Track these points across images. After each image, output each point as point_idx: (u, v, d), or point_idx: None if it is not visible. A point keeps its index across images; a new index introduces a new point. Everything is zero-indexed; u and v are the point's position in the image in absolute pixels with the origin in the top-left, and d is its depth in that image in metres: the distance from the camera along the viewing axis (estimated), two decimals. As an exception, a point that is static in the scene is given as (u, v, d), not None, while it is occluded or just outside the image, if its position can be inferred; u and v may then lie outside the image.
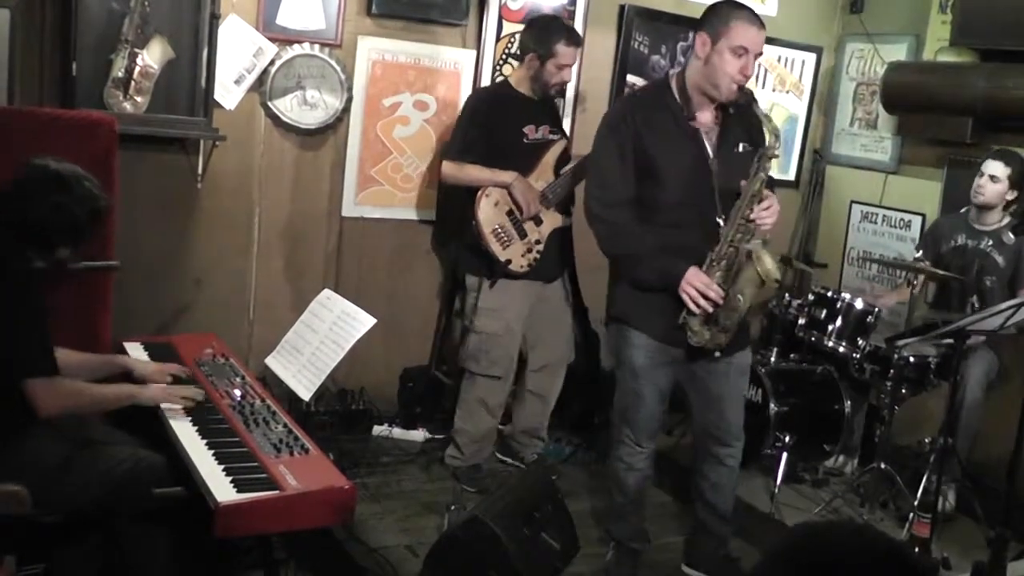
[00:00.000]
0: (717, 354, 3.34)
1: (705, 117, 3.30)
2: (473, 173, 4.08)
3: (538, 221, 4.18)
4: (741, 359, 3.48)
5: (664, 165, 3.24)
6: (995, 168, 4.35)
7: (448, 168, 4.13)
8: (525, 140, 4.17)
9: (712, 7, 3.29)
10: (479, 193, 4.07)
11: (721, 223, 3.23)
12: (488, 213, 4.07)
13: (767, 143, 3.21)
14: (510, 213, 4.11)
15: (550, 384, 4.49)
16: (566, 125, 5.03)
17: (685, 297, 3.20)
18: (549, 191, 4.19)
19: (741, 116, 3.32)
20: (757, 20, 3.19)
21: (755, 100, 3.25)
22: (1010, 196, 4.37)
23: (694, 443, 3.64)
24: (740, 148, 3.30)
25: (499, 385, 4.26)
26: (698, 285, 3.19)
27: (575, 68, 4.37)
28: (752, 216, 3.19)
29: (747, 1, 3.38)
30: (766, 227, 3.24)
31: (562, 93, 4.62)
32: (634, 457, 3.52)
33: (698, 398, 3.51)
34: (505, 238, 4.09)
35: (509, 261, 4.10)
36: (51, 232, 2.82)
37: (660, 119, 3.26)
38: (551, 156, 4.23)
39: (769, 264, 3.17)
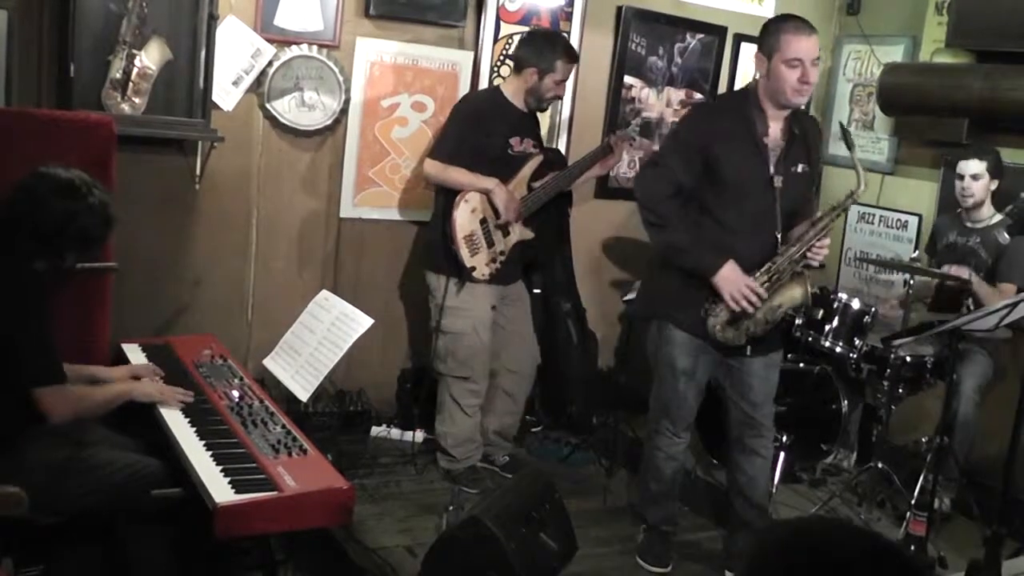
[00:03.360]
0: (748, 351, 3.52)
1: (775, 133, 3.44)
2: (456, 176, 4.08)
3: (506, 232, 4.19)
4: (774, 356, 3.65)
5: (732, 176, 3.38)
6: (974, 167, 4.42)
7: (432, 167, 4.12)
8: (510, 151, 4.18)
9: (764, 26, 3.47)
10: (458, 197, 4.07)
11: (779, 238, 3.42)
12: (464, 219, 4.08)
13: (857, 188, 3.36)
14: (483, 221, 4.13)
15: (524, 385, 4.52)
16: (564, 127, 5.05)
17: (725, 293, 3.35)
18: (522, 204, 4.20)
19: (805, 138, 3.49)
20: (805, 28, 3.33)
21: (854, 146, 3.41)
22: (993, 186, 4.42)
23: (728, 438, 3.74)
24: (799, 169, 3.48)
25: (469, 385, 4.26)
26: (742, 287, 3.34)
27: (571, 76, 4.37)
28: (816, 246, 3.39)
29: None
30: (815, 261, 3.45)
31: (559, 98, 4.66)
32: (673, 448, 3.72)
33: (733, 389, 3.64)
34: (475, 246, 4.11)
35: (474, 268, 4.12)
36: (63, 240, 2.83)
37: (734, 130, 3.41)
38: (528, 169, 4.25)
39: (808, 289, 3.43)
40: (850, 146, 3.41)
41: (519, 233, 4.24)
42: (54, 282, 2.95)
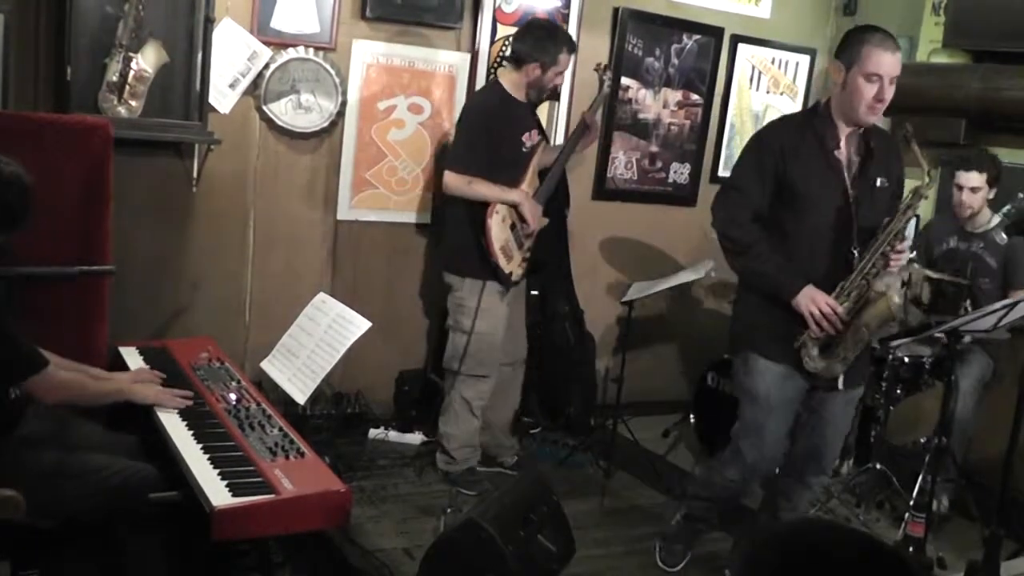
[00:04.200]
0: (840, 385, 3.34)
1: (849, 148, 3.30)
2: (481, 190, 4.07)
3: (530, 232, 4.21)
4: (856, 392, 3.51)
5: (805, 193, 3.26)
6: (974, 180, 4.39)
7: (454, 180, 4.08)
8: (523, 148, 4.19)
9: (846, 35, 3.32)
10: (488, 209, 4.08)
11: (855, 254, 3.25)
12: (497, 230, 4.10)
13: (923, 184, 3.19)
14: (512, 227, 4.17)
15: (518, 379, 4.56)
16: (562, 128, 5.05)
17: (807, 315, 3.20)
18: (538, 198, 4.22)
19: (883, 151, 3.33)
20: (890, 44, 3.19)
21: (913, 138, 3.24)
22: (991, 195, 4.41)
23: (788, 464, 3.62)
24: (878, 183, 3.31)
25: (486, 384, 4.27)
26: (822, 306, 3.18)
27: (568, 69, 4.37)
28: (891, 252, 3.22)
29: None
30: (896, 267, 3.29)
31: (556, 95, 4.65)
32: (732, 487, 3.59)
33: (808, 420, 3.49)
34: (509, 253, 4.15)
35: (511, 274, 4.17)
36: None
37: (806, 146, 3.28)
38: (536, 159, 4.26)
39: (898, 300, 3.24)
40: (908, 139, 3.24)
41: (539, 224, 4.29)
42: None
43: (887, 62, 3.16)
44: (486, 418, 4.40)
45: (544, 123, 4.62)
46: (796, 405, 3.43)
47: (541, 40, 4.13)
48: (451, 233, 4.28)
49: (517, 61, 4.18)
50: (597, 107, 4.46)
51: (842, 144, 3.28)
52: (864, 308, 3.21)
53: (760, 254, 3.28)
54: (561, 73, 4.19)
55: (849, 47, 3.22)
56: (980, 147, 4.67)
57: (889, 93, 3.18)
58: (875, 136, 3.32)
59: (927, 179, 3.18)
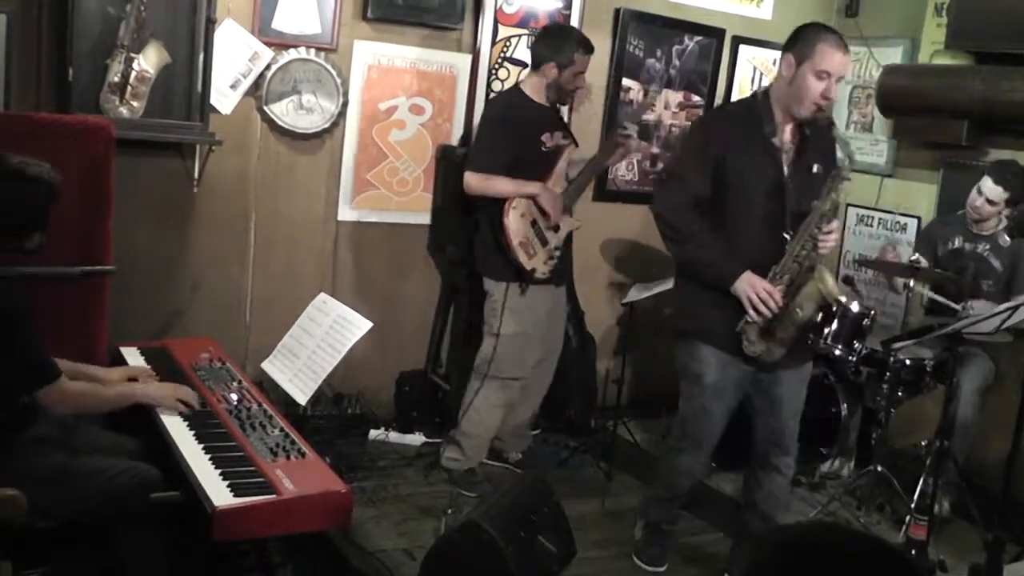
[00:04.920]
0: (779, 364, 3.42)
1: (785, 136, 3.40)
2: (499, 186, 4.10)
3: (556, 227, 4.21)
4: (805, 369, 3.57)
5: (743, 179, 3.34)
6: (993, 193, 4.37)
7: (474, 180, 4.12)
8: (543, 148, 4.21)
9: (799, 29, 3.40)
10: (506, 205, 4.09)
11: (788, 239, 3.34)
12: (515, 225, 4.11)
13: (842, 166, 3.31)
14: (533, 223, 4.17)
15: (544, 378, 4.55)
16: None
17: (745, 300, 3.29)
18: (565, 198, 4.23)
19: (818, 138, 3.42)
20: (842, 45, 3.29)
21: (835, 124, 3.38)
22: (1006, 212, 4.40)
23: (753, 453, 3.67)
24: (814, 169, 3.40)
25: (516, 387, 4.29)
26: (759, 290, 3.28)
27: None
28: (819, 236, 3.31)
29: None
30: (826, 249, 3.38)
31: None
32: (695, 466, 3.66)
33: (763, 404, 3.56)
34: (531, 249, 4.15)
35: (534, 270, 4.15)
36: (20, 221, 2.80)
37: (745, 134, 3.37)
38: (564, 162, 4.27)
39: (831, 283, 3.34)
40: (830, 125, 3.35)
41: (567, 225, 4.29)
42: (28, 280, 2.93)
43: (839, 62, 3.26)
44: (505, 415, 4.42)
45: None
46: (741, 387, 3.51)
47: (556, 41, 4.19)
48: (479, 236, 4.29)
49: (534, 64, 4.24)
50: (632, 119, 4.46)
51: (779, 132, 3.37)
52: (798, 290, 3.32)
53: (701, 243, 3.37)
54: (579, 74, 4.21)
55: (802, 43, 3.30)
56: (1015, 163, 4.62)
57: (835, 92, 3.29)
58: (810, 123, 3.40)
59: (847, 162, 3.29)
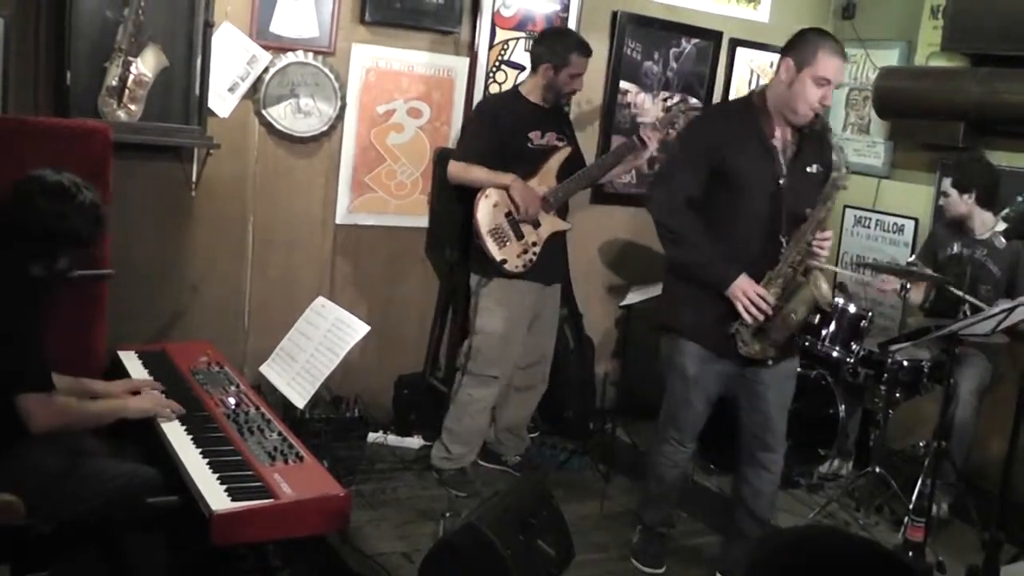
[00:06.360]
0: (769, 363, 3.45)
1: (783, 135, 3.39)
2: (476, 174, 4.14)
3: (536, 224, 4.21)
4: (788, 365, 3.58)
5: (739, 179, 3.34)
6: (953, 199, 4.49)
7: (454, 168, 4.19)
8: (530, 145, 4.21)
9: (801, 34, 3.38)
10: (479, 194, 4.13)
11: (784, 241, 3.35)
12: (487, 213, 4.12)
13: (837, 173, 3.29)
14: (508, 214, 4.16)
15: (537, 382, 4.54)
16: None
17: (738, 304, 3.31)
18: (551, 195, 4.23)
19: (815, 138, 3.41)
20: (841, 52, 3.29)
21: (830, 128, 3.39)
22: (1003, 214, 4.43)
23: (739, 449, 3.68)
24: (812, 169, 3.40)
25: (494, 385, 4.28)
26: (751, 295, 3.29)
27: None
28: (813, 242, 3.32)
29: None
30: (820, 256, 3.38)
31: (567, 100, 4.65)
32: (678, 456, 3.70)
33: (746, 401, 3.58)
34: (502, 239, 4.13)
35: (504, 261, 4.14)
36: (54, 242, 2.81)
37: (741, 133, 3.37)
38: (555, 162, 4.27)
39: (825, 288, 3.34)
40: (824, 130, 3.36)
41: (552, 224, 4.27)
42: (47, 290, 2.93)
43: (838, 68, 3.27)
44: (497, 416, 4.41)
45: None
46: (724, 380, 3.54)
47: (552, 43, 4.22)
48: (470, 234, 4.29)
49: (532, 65, 4.28)
50: (662, 128, 4.41)
51: (776, 132, 3.37)
52: (792, 294, 3.33)
53: (695, 244, 3.38)
54: (576, 76, 4.23)
55: (803, 48, 3.29)
56: (979, 158, 4.66)
57: (831, 99, 3.31)
58: (806, 124, 3.40)
59: (844, 170, 3.28)
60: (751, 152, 3.35)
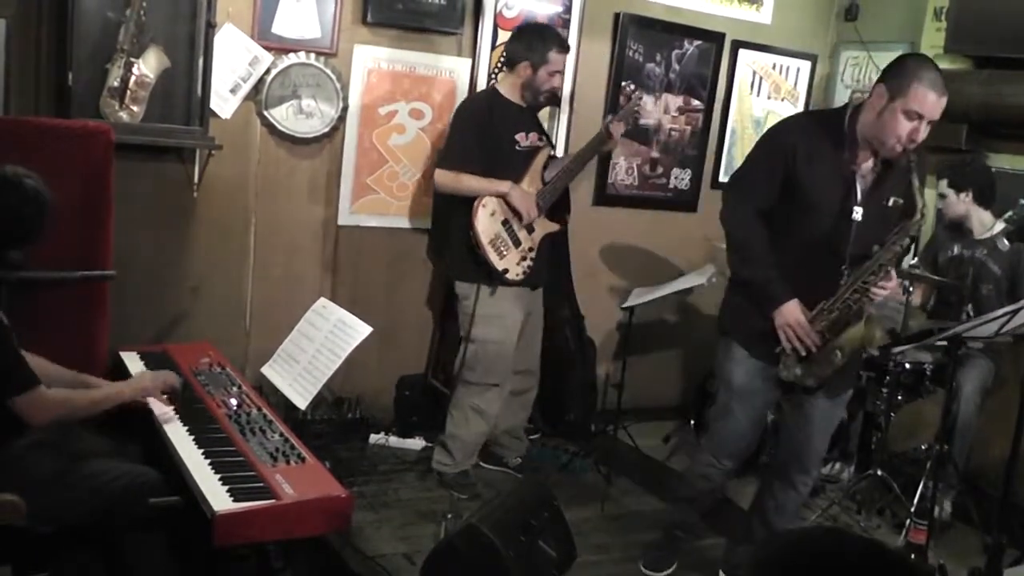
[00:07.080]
0: (812, 386, 3.32)
1: (866, 162, 3.20)
2: (470, 183, 4.08)
3: (530, 228, 4.20)
4: (843, 392, 3.46)
5: (808, 196, 3.17)
6: (950, 196, 4.49)
7: (443, 177, 4.13)
8: (517, 147, 4.19)
9: (899, 60, 3.18)
10: (476, 203, 4.08)
11: (845, 273, 3.18)
12: (485, 223, 4.09)
13: (913, 219, 3.10)
14: (505, 222, 4.13)
15: (530, 383, 4.55)
16: (561, 132, 5.05)
17: (780, 331, 3.20)
18: (539, 198, 4.20)
19: (900, 173, 3.21)
20: (940, 86, 3.05)
21: (913, 169, 3.13)
22: (1005, 216, 4.44)
23: (774, 463, 3.63)
24: (890, 202, 3.22)
25: (496, 392, 4.27)
26: (795, 326, 3.17)
27: (568, 74, 4.37)
28: (871, 285, 3.14)
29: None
30: (876, 299, 3.20)
31: (557, 101, 4.63)
32: (711, 471, 3.57)
33: (793, 419, 3.49)
34: (503, 248, 4.11)
35: (506, 270, 4.12)
36: (1, 237, 2.78)
37: (823, 151, 3.18)
38: (539, 163, 4.26)
39: (878, 336, 3.21)
40: (911, 169, 3.12)
41: (543, 227, 4.26)
42: (12, 288, 2.90)
43: (934, 104, 3.04)
44: (496, 421, 4.41)
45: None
46: (770, 396, 3.44)
47: (530, 40, 4.16)
48: (452, 238, 4.28)
49: (510, 63, 4.23)
50: (623, 119, 4.37)
51: (859, 157, 3.18)
52: (841, 331, 3.18)
53: (751, 259, 3.26)
54: (556, 73, 4.18)
55: (900, 78, 3.07)
56: (973, 158, 4.66)
57: (924, 134, 3.06)
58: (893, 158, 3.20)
59: (919, 215, 3.09)
60: (826, 173, 3.16)
